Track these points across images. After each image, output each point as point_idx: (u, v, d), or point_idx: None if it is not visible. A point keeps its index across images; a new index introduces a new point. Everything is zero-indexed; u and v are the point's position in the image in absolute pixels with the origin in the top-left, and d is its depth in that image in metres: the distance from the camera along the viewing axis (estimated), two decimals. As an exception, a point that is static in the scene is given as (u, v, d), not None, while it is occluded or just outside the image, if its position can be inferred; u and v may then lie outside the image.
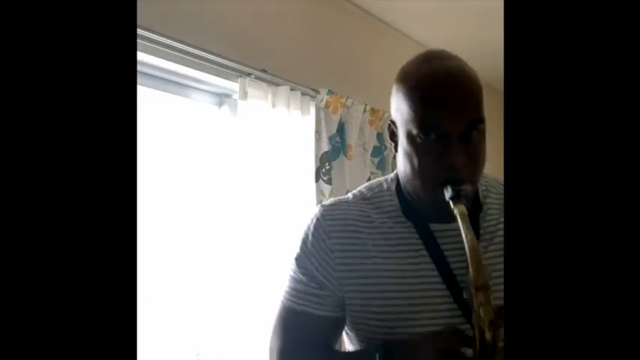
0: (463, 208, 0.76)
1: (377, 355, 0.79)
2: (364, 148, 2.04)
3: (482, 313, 0.70)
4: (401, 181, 0.90)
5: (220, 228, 1.69)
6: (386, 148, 2.16)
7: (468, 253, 0.73)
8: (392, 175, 0.95)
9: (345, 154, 1.96)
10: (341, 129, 1.96)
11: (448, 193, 0.78)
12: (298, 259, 0.90)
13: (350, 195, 0.95)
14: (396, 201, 0.90)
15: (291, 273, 0.91)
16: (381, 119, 2.11)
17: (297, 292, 0.89)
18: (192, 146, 1.74)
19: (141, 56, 1.44)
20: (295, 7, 1.99)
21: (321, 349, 0.89)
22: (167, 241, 1.64)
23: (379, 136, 2.12)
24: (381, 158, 2.12)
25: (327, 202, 0.95)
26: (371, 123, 2.07)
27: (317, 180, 1.81)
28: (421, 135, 0.80)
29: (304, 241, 0.90)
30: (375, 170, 2.09)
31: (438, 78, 0.80)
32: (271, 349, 0.92)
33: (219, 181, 1.71)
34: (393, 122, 0.88)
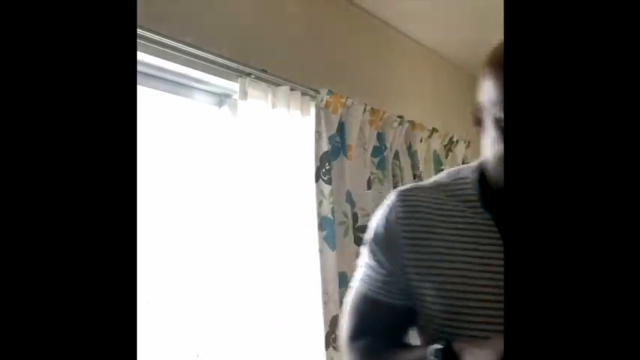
0: None
1: (436, 354, 0.75)
2: (364, 148, 2.04)
3: None
4: (486, 169, 0.85)
5: (220, 228, 1.69)
6: (386, 148, 2.16)
7: None
8: (475, 163, 0.90)
9: (345, 154, 1.95)
10: (341, 129, 1.96)
11: None
12: (370, 245, 0.89)
13: (429, 180, 0.92)
14: (476, 190, 0.85)
15: (365, 258, 0.90)
16: (381, 119, 2.11)
17: (369, 277, 0.89)
18: (193, 146, 1.74)
19: (141, 56, 1.44)
20: (295, 7, 1.99)
21: (386, 338, 0.87)
22: (167, 241, 1.64)
23: (379, 136, 2.12)
24: (381, 158, 2.12)
25: (403, 187, 0.92)
26: (371, 123, 2.07)
27: (317, 180, 1.81)
28: None
29: (377, 227, 0.89)
30: (375, 170, 2.09)
31: None
32: (341, 334, 0.91)
33: (220, 182, 1.71)
34: (478, 108, 0.83)
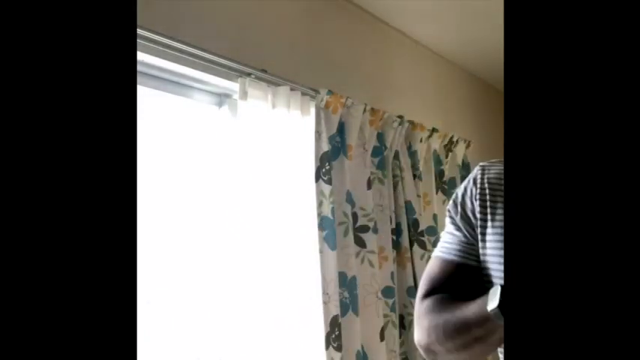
0: None
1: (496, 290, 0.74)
2: (364, 148, 2.04)
3: None
4: None
5: (220, 228, 1.69)
6: (386, 148, 2.15)
7: None
8: None
9: (345, 154, 1.95)
10: (341, 129, 1.96)
11: None
12: (450, 211, 0.94)
13: None
14: None
15: (446, 227, 0.94)
16: (381, 119, 2.11)
17: (446, 242, 0.93)
18: (192, 146, 1.74)
19: (141, 56, 1.44)
20: (295, 7, 1.99)
21: (456, 296, 0.86)
22: (167, 242, 1.64)
23: (379, 136, 2.12)
24: (381, 158, 2.11)
25: (489, 160, 0.96)
26: (371, 123, 2.07)
27: (317, 180, 1.81)
28: None
29: (457, 194, 0.94)
30: (375, 170, 2.09)
31: None
32: (417, 298, 0.93)
33: (219, 182, 1.71)
34: None
